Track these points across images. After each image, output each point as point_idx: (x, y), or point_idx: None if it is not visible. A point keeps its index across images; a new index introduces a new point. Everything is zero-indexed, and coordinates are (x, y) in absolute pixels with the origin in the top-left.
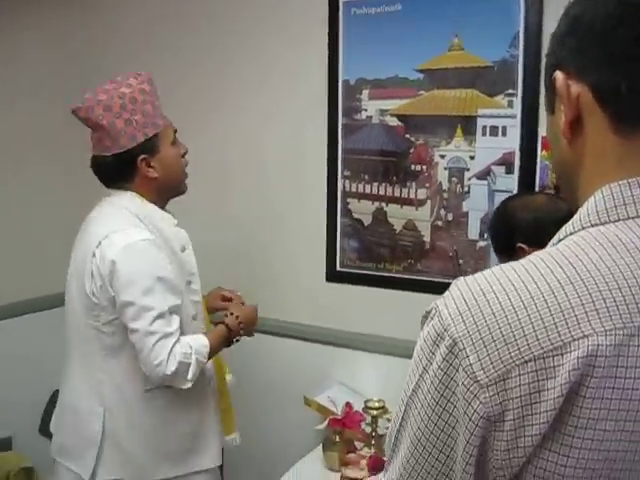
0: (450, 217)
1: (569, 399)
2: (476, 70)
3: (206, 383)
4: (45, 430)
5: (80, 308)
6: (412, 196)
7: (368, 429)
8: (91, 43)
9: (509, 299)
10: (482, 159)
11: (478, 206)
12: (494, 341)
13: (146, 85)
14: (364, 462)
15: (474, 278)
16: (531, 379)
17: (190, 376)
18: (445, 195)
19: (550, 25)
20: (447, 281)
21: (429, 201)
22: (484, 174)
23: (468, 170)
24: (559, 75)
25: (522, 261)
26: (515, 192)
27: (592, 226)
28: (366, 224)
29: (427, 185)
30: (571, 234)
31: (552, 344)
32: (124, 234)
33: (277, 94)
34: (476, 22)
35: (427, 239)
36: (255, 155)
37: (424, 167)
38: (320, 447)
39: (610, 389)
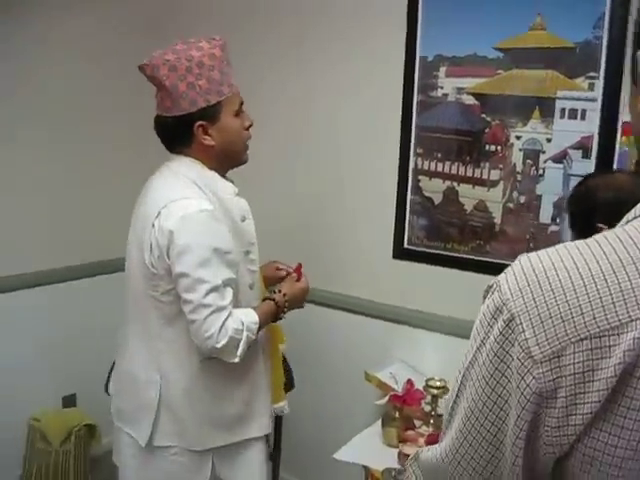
0: (522, 200)
1: (623, 379)
2: (557, 51)
3: (259, 352)
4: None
5: (139, 276)
6: (485, 176)
7: (428, 408)
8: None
9: (569, 277)
10: (559, 142)
11: (552, 190)
12: (551, 317)
13: (217, 50)
14: (422, 440)
15: (537, 255)
16: (586, 357)
17: (240, 352)
18: (519, 177)
19: (636, 9)
20: None
21: (502, 182)
22: (560, 157)
23: (544, 153)
24: None
25: (587, 240)
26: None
27: None
28: (436, 203)
29: (501, 166)
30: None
31: (609, 323)
32: (183, 204)
33: (354, 69)
34: (560, 2)
35: (497, 221)
36: (329, 129)
37: (499, 147)
38: (379, 422)
39: None
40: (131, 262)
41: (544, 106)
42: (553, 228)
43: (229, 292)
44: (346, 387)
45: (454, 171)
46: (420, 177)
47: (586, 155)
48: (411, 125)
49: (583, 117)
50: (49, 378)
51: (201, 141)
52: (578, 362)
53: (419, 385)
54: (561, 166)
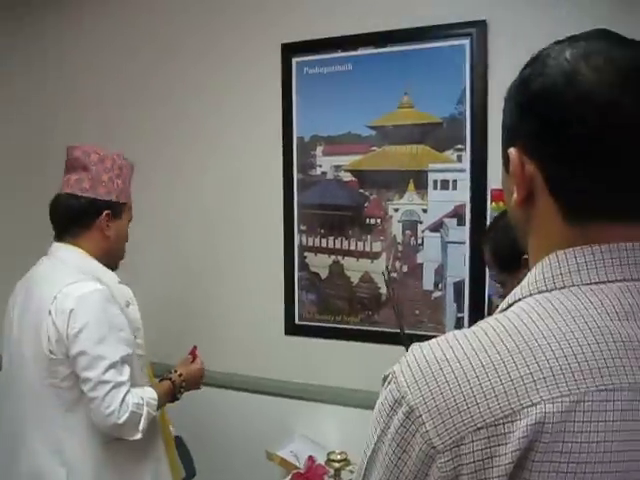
0: (405, 269)
1: (520, 464)
2: (426, 126)
3: (158, 432)
4: None
5: (35, 368)
6: (367, 249)
7: None
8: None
9: (461, 368)
10: (434, 212)
11: (432, 257)
12: (448, 409)
13: (129, 169)
14: None
15: (429, 345)
16: (483, 445)
17: (141, 427)
18: (400, 247)
19: (495, 82)
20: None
21: (384, 253)
22: (437, 226)
23: (421, 223)
24: (514, 155)
25: (473, 328)
26: (467, 243)
27: (539, 292)
28: (323, 277)
29: (382, 238)
30: (519, 300)
31: (502, 412)
32: (78, 285)
33: (233, 150)
34: (424, 80)
35: (383, 291)
36: (211, 210)
37: (378, 220)
38: None
39: (558, 453)
40: (21, 357)
41: (418, 179)
42: (436, 294)
43: (127, 368)
44: (249, 468)
45: (338, 245)
46: (306, 253)
47: (461, 222)
48: (293, 203)
49: (455, 187)
50: None
51: (102, 228)
52: (477, 450)
53: (321, 460)
54: (438, 234)
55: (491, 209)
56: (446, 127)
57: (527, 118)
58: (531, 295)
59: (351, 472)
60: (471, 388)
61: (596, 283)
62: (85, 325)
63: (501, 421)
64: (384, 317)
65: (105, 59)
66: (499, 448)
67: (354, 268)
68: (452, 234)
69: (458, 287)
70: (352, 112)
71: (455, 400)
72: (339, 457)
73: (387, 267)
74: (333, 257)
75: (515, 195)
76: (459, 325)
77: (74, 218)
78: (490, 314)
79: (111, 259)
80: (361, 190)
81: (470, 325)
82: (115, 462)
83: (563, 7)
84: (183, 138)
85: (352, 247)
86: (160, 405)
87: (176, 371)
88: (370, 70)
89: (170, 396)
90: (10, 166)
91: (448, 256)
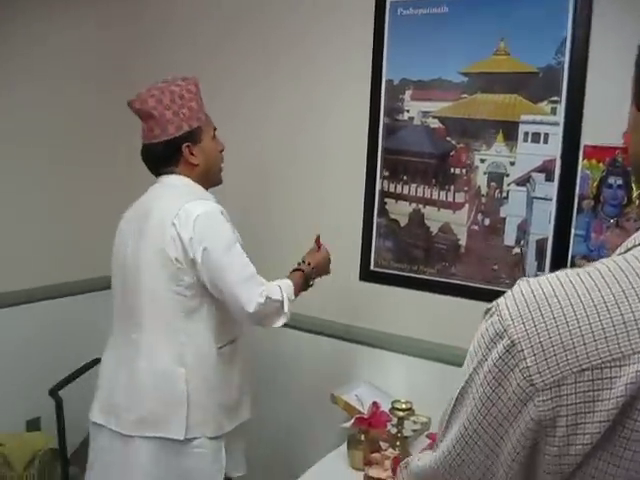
0: (487, 222)
1: (623, 411)
2: (521, 75)
3: (240, 342)
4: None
5: (162, 278)
6: (450, 199)
7: (394, 430)
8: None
9: (571, 305)
10: (522, 165)
11: (516, 212)
12: (553, 346)
13: (192, 86)
14: (388, 462)
15: (537, 280)
16: (587, 388)
17: (286, 309)
18: (483, 200)
19: (598, 32)
20: (480, 286)
21: (467, 205)
22: (524, 180)
23: (508, 176)
24: None
25: (587, 268)
26: (554, 200)
27: None
28: (402, 225)
29: (465, 189)
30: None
31: (611, 355)
32: (198, 203)
33: (322, 92)
34: (523, 27)
35: (463, 243)
36: (296, 151)
37: (463, 171)
38: (345, 445)
39: None
40: (139, 270)
41: (508, 130)
42: (517, 250)
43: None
44: (316, 409)
45: (420, 194)
46: (386, 200)
47: (549, 178)
48: (377, 148)
49: (546, 141)
50: (12, 401)
51: (188, 160)
52: (579, 392)
53: (385, 407)
54: (524, 189)
55: (582, 166)
56: (542, 77)
57: None
58: None
59: (414, 422)
60: (579, 327)
61: None
62: (211, 236)
63: (608, 364)
64: (460, 270)
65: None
66: (603, 392)
67: (434, 218)
68: (539, 189)
69: (540, 245)
70: (444, 57)
71: (561, 338)
72: (404, 406)
73: None
74: (414, 205)
75: None
76: None
77: (161, 162)
78: None
79: (210, 180)
80: (448, 138)
81: None
82: (223, 364)
83: None
84: (273, 77)
85: (434, 196)
86: (297, 292)
87: (304, 261)
88: (466, 14)
89: (303, 284)
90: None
91: (533, 212)
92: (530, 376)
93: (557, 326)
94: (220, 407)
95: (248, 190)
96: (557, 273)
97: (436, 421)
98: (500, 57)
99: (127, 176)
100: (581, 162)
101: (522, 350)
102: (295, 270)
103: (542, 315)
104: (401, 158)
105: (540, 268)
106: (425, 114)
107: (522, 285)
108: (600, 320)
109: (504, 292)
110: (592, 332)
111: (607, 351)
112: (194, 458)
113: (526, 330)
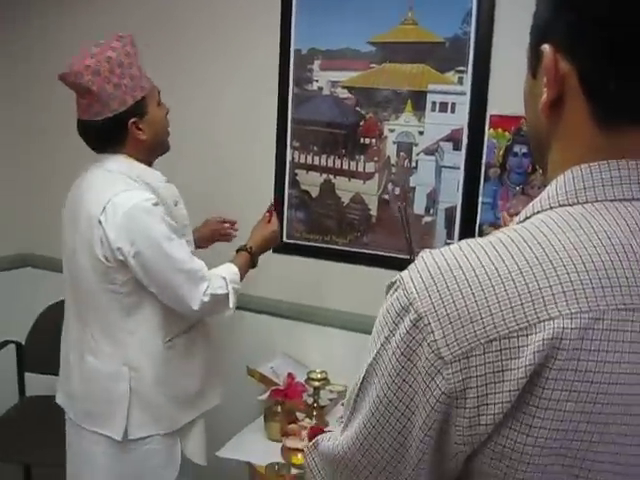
0: (397, 191)
1: (532, 380)
2: (428, 45)
3: (208, 335)
4: None
5: (93, 274)
6: (360, 169)
7: (310, 400)
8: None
9: (476, 277)
10: (431, 135)
11: (425, 181)
12: (460, 318)
13: (130, 47)
14: (305, 433)
15: (441, 252)
16: (495, 358)
17: (231, 303)
18: (393, 170)
19: (503, 4)
20: (392, 255)
21: (377, 175)
22: (432, 150)
23: (417, 145)
24: (548, 50)
25: (490, 238)
26: (462, 168)
27: (560, 206)
28: (314, 196)
29: (375, 159)
30: (538, 212)
31: (518, 324)
32: (127, 196)
33: (230, 62)
34: None
35: (374, 213)
36: (205, 124)
37: (373, 141)
38: (262, 418)
39: (572, 371)
40: (80, 265)
41: (416, 100)
42: (427, 219)
43: (196, 259)
44: (232, 383)
45: (330, 164)
46: (297, 171)
47: (457, 147)
48: (287, 118)
49: (453, 110)
50: None
51: (135, 137)
52: (488, 363)
53: (301, 378)
54: (433, 158)
55: (489, 135)
56: (449, 47)
57: (565, 12)
58: (551, 208)
59: (330, 392)
60: (485, 298)
61: (622, 200)
62: (141, 235)
63: (515, 334)
64: (373, 239)
65: None
66: (511, 362)
67: (346, 188)
68: (447, 158)
69: (450, 213)
70: (352, 26)
71: (467, 309)
72: (319, 376)
73: (404, 204)
74: (325, 176)
75: (544, 97)
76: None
77: (104, 142)
78: None
79: (158, 150)
80: (357, 108)
81: None
82: (173, 358)
83: None
84: (182, 52)
85: (345, 166)
86: (242, 276)
87: (250, 247)
88: None
89: (249, 264)
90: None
91: (442, 181)
92: (438, 349)
93: (463, 298)
94: (174, 401)
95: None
96: (460, 244)
97: None
98: (408, 27)
99: (37, 154)
100: (487, 131)
101: (429, 324)
102: (241, 249)
103: (448, 287)
104: (311, 128)
105: (450, 236)
106: (334, 84)
107: (425, 257)
108: (505, 290)
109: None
110: (498, 302)
111: (513, 321)
112: (144, 455)
113: (432, 303)
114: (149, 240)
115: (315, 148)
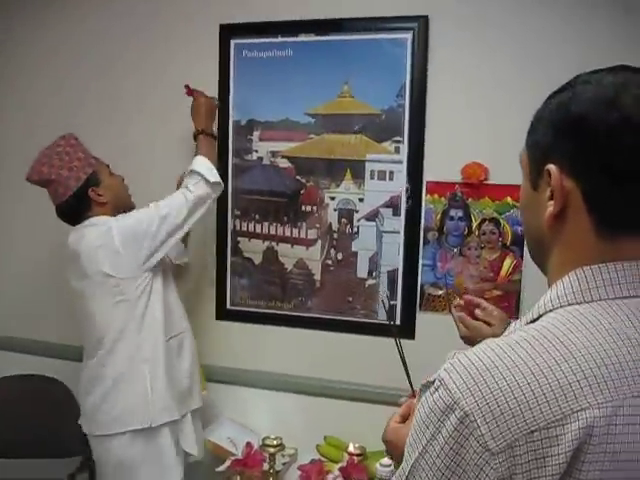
0: (340, 256)
1: (571, 463)
2: (365, 117)
3: (190, 334)
4: None
5: (103, 294)
6: (303, 236)
7: (266, 466)
8: None
9: (513, 375)
10: (371, 201)
11: (367, 246)
12: (502, 414)
13: (72, 140)
14: None
15: (475, 354)
16: (537, 447)
17: (213, 179)
18: (335, 235)
19: (434, 78)
20: (336, 318)
21: (319, 241)
22: (372, 216)
23: (357, 212)
24: (554, 170)
25: (514, 338)
26: (402, 233)
27: (569, 305)
28: (257, 263)
29: (317, 225)
30: (549, 311)
31: (554, 416)
32: (116, 220)
33: (170, 129)
34: (365, 71)
35: (317, 277)
36: (146, 193)
37: (314, 208)
38: None
39: (602, 453)
40: (89, 296)
41: (355, 168)
42: (370, 282)
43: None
44: None
45: (273, 231)
46: (239, 238)
47: (396, 213)
48: (227, 188)
49: (391, 178)
50: None
51: (98, 201)
52: (531, 451)
53: (255, 444)
54: (374, 224)
55: (426, 201)
56: (385, 119)
57: (566, 137)
58: (561, 307)
59: (282, 456)
60: (524, 394)
61: (622, 298)
62: (120, 225)
63: (553, 424)
64: (317, 303)
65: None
66: (551, 449)
67: (288, 254)
68: (387, 224)
69: (392, 275)
70: (291, 99)
71: (509, 405)
72: (275, 442)
73: (387, 295)
74: (267, 243)
75: (550, 209)
76: (391, 313)
77: (77, 213)
78: (422, 302)
79: (124, 206)
80: (297, 177)
81: (403, 314)
82: (172, 353)
83: (504, 9)
84: (121, 115)
85: (287, 233)
86: (211, 156)
87: (199, 129)
88: (310, 57)
89: (210, 140)
90: None
91: (383, 245)
92: (485, 442)
93: (504, 395)
94: (175, 393)
95: None
96: (489, 345)
97: (303, 451)
98: (344, 99)
99: None
100: (424, 197)
101: (475, 420)
102: (195, 136)
103: (488, 386)
104: (252, 197)
105: (392, 298)
106: (274, 154)
107: (462, 359)
108: (540, 386)
109: (361, 322)
110: (535, 398)
111: (550, 413)
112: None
113: (476, 401)
114: (123, 221)
115: (257, 216)
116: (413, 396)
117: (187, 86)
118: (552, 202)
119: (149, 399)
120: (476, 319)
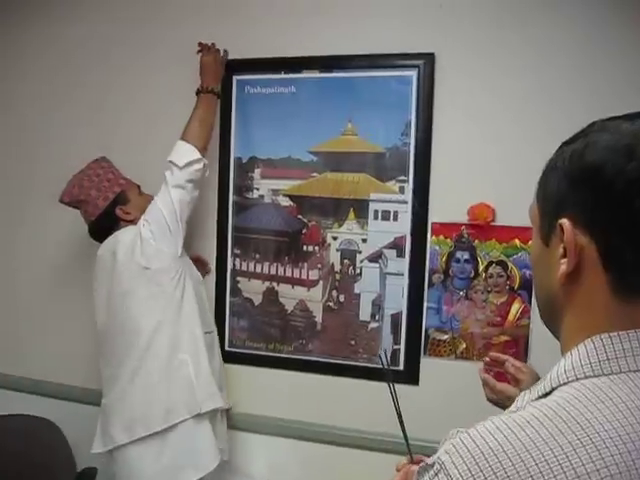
0: (342, 298)
1: None
2: (369, 155)
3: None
4: None
5: (142, 288)
6: (304, 277)
7: None
8: None
9: (522, 461)
10: (374, 242)
11: (370, 288)
12: None
13: (104, 163)
14: None
15: (480, 434)
16: None
17: (182, 163)
18: (337, 276)
19: (440, 116)
20: (338, 362)
21: (321, 282)
22: (376, 257)
23: (360, 252)
24: (567, 225)
25: (525, 416)
26: (406, 275)
27: (585, 377)
28: (256, 303)
29: (319, 266)
30: (564, 384)
31: None
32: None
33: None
34: (369, 109)
35: (319, 320)
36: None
37: (316, 248)
38: None
39: None
40: (122, 293)
41: (358, 208)
42: (373, 325)
43: None
44: None
45: (273, 271)
46: (239, 278)
47: (400, 254)
48: (227, 226)
49: (395, 218)
50: None
51: (125, 218)
52: None
53: None
54: (377, 265)
55: (431, 242)
56: (389, 157)
57: (580, 188)
58: (577, 380)
59: None
60: None
61: None
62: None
63: None
64: (318, 346)
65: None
66: None
67: (289, 295)
68: (391, 265)
69: (395, 319)
70: (293, 136)
71: None
72: None
73: (384, 350)
74: (267, 283)
75: (563, 267)
76: (395, 358)
77: (105, 232)
78: (426, 347)
79: None
80: (299, 216)
81: (406, 359)
82: (208, 346)
83: (510, 46)
84: (115, 152)
85: (288, 274)
86: (207, 119)
87: (203, 87)
88: (314, 94)
89: (213, 99)
90: None
91: (386, 287)
92: None
93: None
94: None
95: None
96: (495, 423)
97: None
98: (348, 137)
99: None
100: (430, 238)
101: None
102: (198, 94)
103: (495, 473)
104: (252, 236)
105: (396, 342)
106: (275, 192)
107: (464, 439)
108: (555, 476)
109: (363, 367)
110: None
111: None
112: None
113: None
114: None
115: (257, 255)
116: (412, 460)
117: (200, 43)
118: (565, 260)
119: (195, 386)
120: (504, 374)
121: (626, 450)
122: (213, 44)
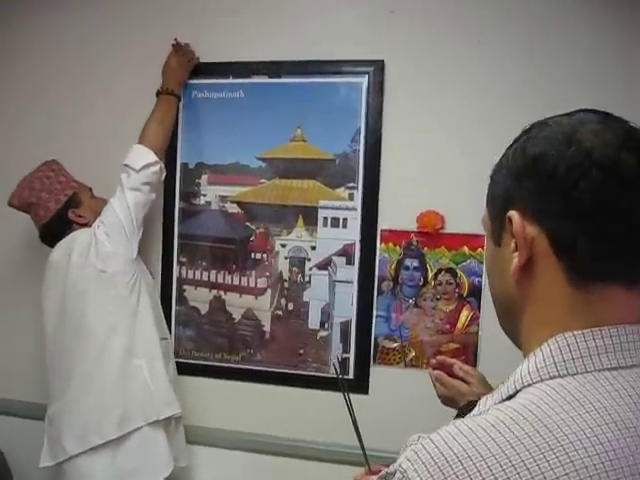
0: (291, 307)
1: None
2: (318, 162)
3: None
4: None
5: (104, 295)
6: (252, 285)
7: None
8: None
9: (489, 468)
10: (323, 249)
11: (319, 296)
12: None
13: (54, 166)
14: None
15: (443, 440)
16: None
17: (138, 166)
18: (286, 284)
19: (390, 123)
20: (287, 371)
21: (269, 290)
22: (325, 264)
23: (309, 260)
24: (516, 216)
25: (490, 419)
26: (355, 282)
27: (550, 378)
28: (203, 312)
29: (267, 274)
30: (528, 385)
31: None
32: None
33: (113, 170)
34: (319, 115)
35: (267, 328)
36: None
37: (264, 256)
38: None
39: None
40: (80, 295)
41: (307, 215)
42: (322, 333)
43: None
44: None
45: (220, 280)
46: (185, 286)
47: (350, 262)
48: (173, 233)
49: (345, 225)
50: None
51: (78, 222)
52: None
53: None
54: (326, 273)
55: (380, 249)
56: (339, 164)
57: (525, 179)
58: (542, 381)
59: None
60: None
61: (612, 369)
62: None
63: None
64: (266, 356)
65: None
66: None
67: (237, 304)
68: (340, 273)
69: (345, 327)
70: (242, 142)
71: None
72: None
73: (337, 357)
74: (214, 292)
75: (515, 261)
76: (345, 366)
77: (57, 236)
78: (376, 355)
79: None
80: (247, 223)
81: (356, 367)
82: (165, 353)
83: (461, 54)
84: (67, 155)
85: (235, 282)
86: (165, 120)
87: (164, 87)
88: (263, 100)
89: (174, 101)
90: None
91: (336, 295)
92: None
93: None
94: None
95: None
96: (459, 427)
97: None
98: (297, 143)
99: None
100: (379, 246)
101: None
102: (159, 94)
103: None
104: (199, 243)
105: (345, 350)
106: (223, 199)
107: (426, 445)
108: None
109: (312, 376)
110: None
111: None
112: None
113: None
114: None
115: (204, 263)
116: (369, 471)
117: (176, 39)
118: (517, 253)
119: (151, 392)
120: (453, 377)
121: (595, 453)
122: (187, 44)
